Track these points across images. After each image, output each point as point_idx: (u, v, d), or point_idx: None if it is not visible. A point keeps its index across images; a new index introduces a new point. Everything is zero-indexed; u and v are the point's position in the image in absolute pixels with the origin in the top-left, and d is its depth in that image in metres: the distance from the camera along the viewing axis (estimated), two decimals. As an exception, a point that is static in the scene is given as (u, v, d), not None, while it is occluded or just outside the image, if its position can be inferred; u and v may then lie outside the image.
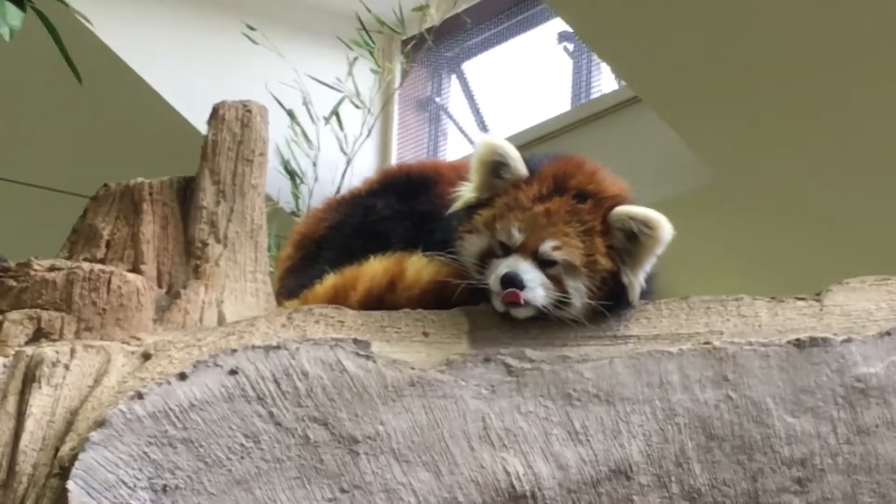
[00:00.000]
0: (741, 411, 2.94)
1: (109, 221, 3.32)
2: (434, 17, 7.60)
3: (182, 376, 2.79)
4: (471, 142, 8.47)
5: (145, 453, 2.74)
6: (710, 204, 7.27)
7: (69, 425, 2.81)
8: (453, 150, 8.63)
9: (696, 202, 7.19)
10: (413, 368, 2.90)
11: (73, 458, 2.71)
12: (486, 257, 3.03)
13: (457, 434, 2.88)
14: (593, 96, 8.14)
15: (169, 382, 2.78)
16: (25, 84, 7.84)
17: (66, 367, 2.90)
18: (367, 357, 2.89)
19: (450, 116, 8.76)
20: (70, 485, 2.69)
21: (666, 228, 3.00)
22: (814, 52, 6.56)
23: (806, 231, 7.24)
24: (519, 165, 3.07)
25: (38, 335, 3.08)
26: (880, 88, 6.59)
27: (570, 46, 8.28)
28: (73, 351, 2.94)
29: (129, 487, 2.72)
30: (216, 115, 3.41)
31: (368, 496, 2.82)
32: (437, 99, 8.79)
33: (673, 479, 2.92)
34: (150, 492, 2.73)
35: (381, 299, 3.08)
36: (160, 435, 2.75)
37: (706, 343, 2.98)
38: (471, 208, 3.09)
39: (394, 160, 8.48)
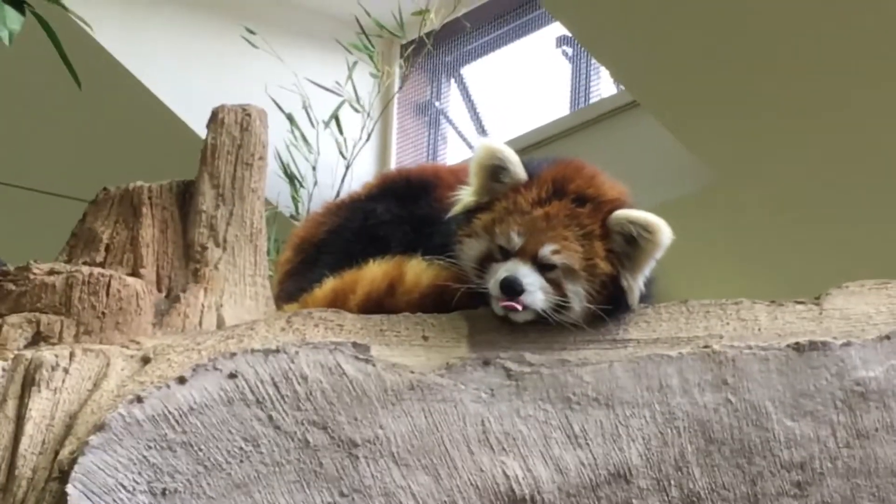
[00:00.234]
0: (740, 415, 2.94)
1: (109, 225, 3.32)
2: (433, 22, 7.60)
3: (181, 380, 2.79)
4: (470, 146, 8.47)
5: (144, 457, 2.74)
6: (710, 206, 7.26)
7: (68, 429, 2.81)
8: (452, 154, 8.62)
9: (695, 205, 7.19)
10: (412, 372, 2.90)
11: (73, 461, 2.71)
12: (486, 261, 3.03)
13: (456, 438, 2.88)
14: (592, 100, 8.14)
15: (168, 386, 2.78)
16: (25, 88, 7.84)
17: (66, 370, 2.90)
18: (367, 361, 2.89)
19: (449, 121, 8.76)
20: (69, 488, 2.69)
21: (665, 232, 3.00)
22: (813, 53, 6.56)
23: (806, 232, 7.23)
24: (518, 169, 3.07)
25: (38, 339, 3.07)
26: (880, 88, 6.59)
27: (569, 51, 8.28)
28: (72, 355, 2.93)
29: (129, 491, 2.72)
30: (215, 119, 3.41)
31: (368, 500, 2.82)
32: (437, 103, 8.78)
33: (672, 482, 2.92)
34: (150, 495, 2.72)
35: (380, 303, 3.08)
36: (159, 438, 2.75)
37: (706, 347, 2.98)
38: (470, 212, 3.09)
39: (393, 164, 8.47)
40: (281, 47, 7.55)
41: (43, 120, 8.07)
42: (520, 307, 2.95)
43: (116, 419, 2.74)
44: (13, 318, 3.10)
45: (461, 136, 8.69)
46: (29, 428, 2.82)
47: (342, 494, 2.82)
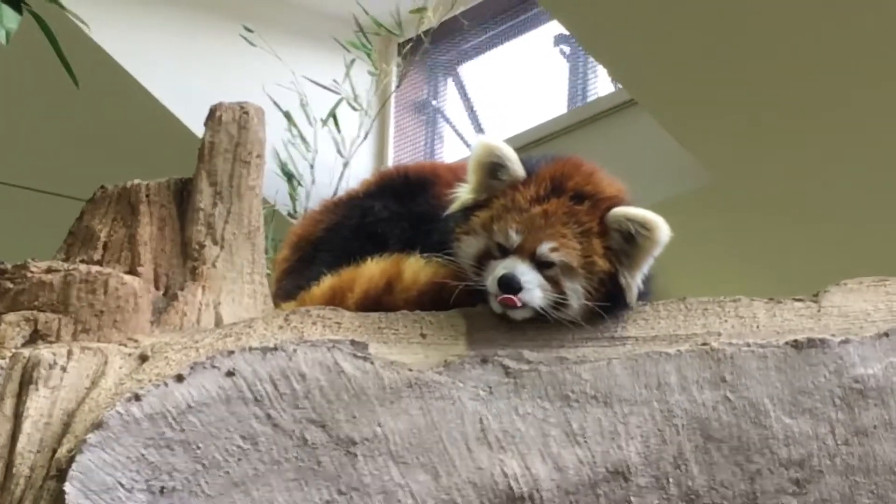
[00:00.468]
0: (739, 412, 2.94)
1: (106, 223, 3.32)
2: (431, 20, 7.61)
3: (179, 378, 2.79)
4: (467, 144, 8.47)
5: (142, 455, 2.74)
6: (708, 205, 7.26)
7: (66, 427, 2.81)
8: (450, 152, 8.62)
9: (693, 203, 7.19)
10: (411, 370, 2.90)
11: (71, 460, 2.71)
12: (484, 259, 3.03)
13: (454, 435, 2.88)
14: (589, 99, 8.14)
15: (166, 384, 2.78)
16: (22, 87, 7.83)
17: (63, 369, 2.90)
18: (365, 358, 2.88)
19: (446, 119, 8.75)
20: (67, 487, 2.69)
21: (663, 230, 3.00)
22: (813, 52, 6.56)
23: (805, 231, 7.23)
24: (516, 167, 3.07)
25: (35, 337, 3.07)
26: (880, 88, 6.59)
27: (567, 49, 8.28)
28: (70, 353, 2.93)
29: (127, 489, 2.72)
30: (213, 117, 3.41)
31: (366, 498, 2.82)
32: (434, 101, 8.78)
33: (671, 480, 2.92)
34: (148, 494, 2.72)
35: (378, 301, 3.08)
36: (157, 437, 2.75)
37: (704, 344, 2.98)
38: (468, 210, 3.09)
39: (391, 162, 8.47)
40: (278, 46, 7.55)
41: (40, 119, 8.06)
42: (518, 303, 2.95)
43: (114, 417, 2.74)
44: (11, 317, 3.09)
45: (459, 134, 8.68)
46: (27, 426, 2.82)
47: (340, 492, 2.82)
